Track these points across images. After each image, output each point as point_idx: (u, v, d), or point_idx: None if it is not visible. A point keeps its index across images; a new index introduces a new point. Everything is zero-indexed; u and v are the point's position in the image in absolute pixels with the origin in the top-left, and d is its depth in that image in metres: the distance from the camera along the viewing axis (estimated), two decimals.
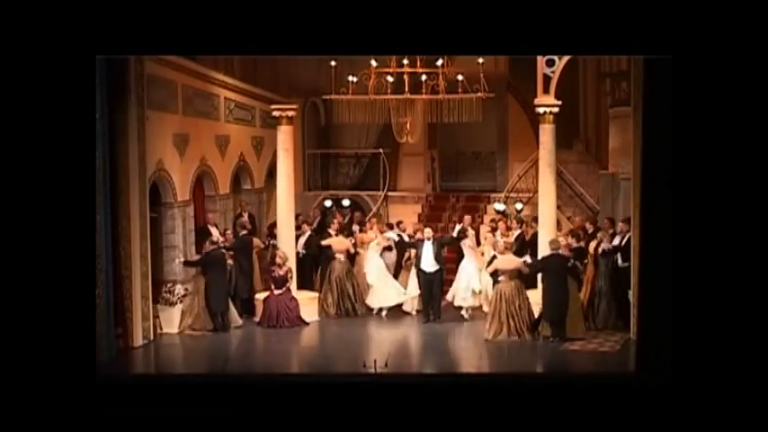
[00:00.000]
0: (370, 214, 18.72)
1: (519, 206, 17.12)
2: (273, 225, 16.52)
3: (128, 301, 13.09)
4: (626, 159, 14.98)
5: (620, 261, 14.27)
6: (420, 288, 15.17)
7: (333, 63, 14.04)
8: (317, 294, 15.73)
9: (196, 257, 14.74)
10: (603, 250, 14.24)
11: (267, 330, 14.59)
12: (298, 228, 16.11)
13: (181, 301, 14.36)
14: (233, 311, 14.74)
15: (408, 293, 15.46)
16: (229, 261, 14.77)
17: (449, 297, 15.41)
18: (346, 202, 18.34)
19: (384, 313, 15.56)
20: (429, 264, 15.00)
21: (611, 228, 14.91)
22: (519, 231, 15.83)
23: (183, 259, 14.70)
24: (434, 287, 15.10)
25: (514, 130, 20.70)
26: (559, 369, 12.50)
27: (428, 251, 15.00)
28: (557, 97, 14.61)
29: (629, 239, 14.02)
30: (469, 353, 13.59)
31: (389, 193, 20.24)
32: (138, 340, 13.27)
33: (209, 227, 15.61)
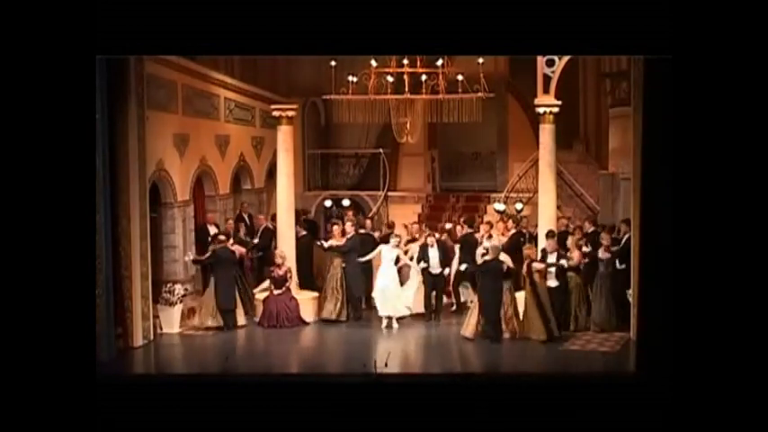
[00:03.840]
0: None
1: (519, 206, 17.10)
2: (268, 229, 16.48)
3: (128, 301, 13.09)
4: (626, 159, 14.98)
5: (617, 264, 14.23)
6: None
7: (333, 63, 14.04)
8: (317, 294, 15.70)
9: (206, 255, 14.67)
10: (601, 259, 14.17)
11: (267, 330, 14.59)
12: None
13: (181, 301, 14.34)
14: (239, 310, 14.72)
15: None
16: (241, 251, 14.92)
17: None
18: (346, 202, 18.31)
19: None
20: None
21: (611, 235, 14.80)
22: (514, 231, 15.81)
23: (192, 257, 14.71)
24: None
25: (514, 130, 20.73)
26: (559, 369, 12.50)
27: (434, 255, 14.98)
28: (557, 97, 14.58)
29: (626, 241, 14.02)
30: (468, 352, 13.57)
31: (389, 193, 20.25)
32: (138, 340, 13.25)
33: (209, 226, 15.59)
